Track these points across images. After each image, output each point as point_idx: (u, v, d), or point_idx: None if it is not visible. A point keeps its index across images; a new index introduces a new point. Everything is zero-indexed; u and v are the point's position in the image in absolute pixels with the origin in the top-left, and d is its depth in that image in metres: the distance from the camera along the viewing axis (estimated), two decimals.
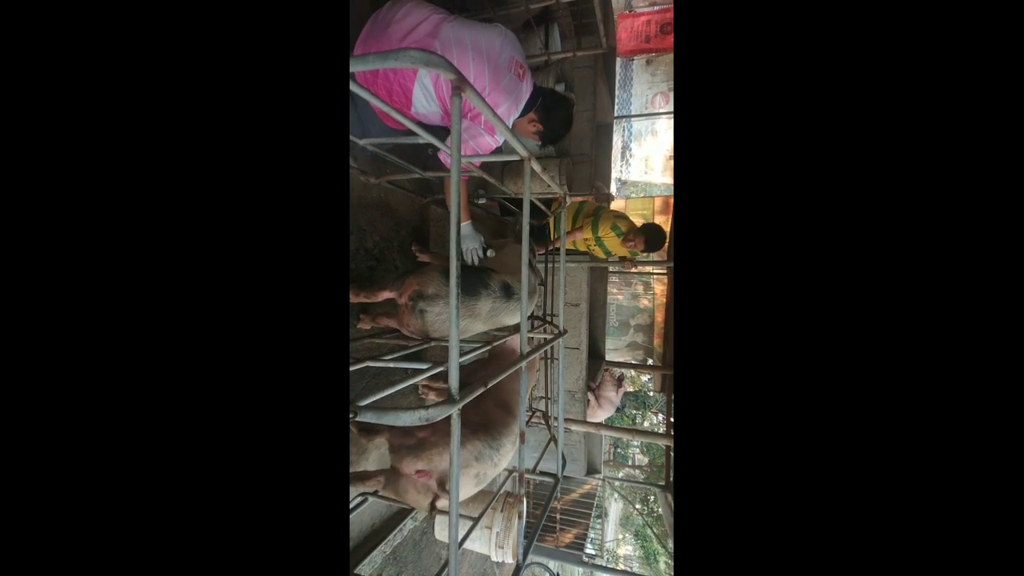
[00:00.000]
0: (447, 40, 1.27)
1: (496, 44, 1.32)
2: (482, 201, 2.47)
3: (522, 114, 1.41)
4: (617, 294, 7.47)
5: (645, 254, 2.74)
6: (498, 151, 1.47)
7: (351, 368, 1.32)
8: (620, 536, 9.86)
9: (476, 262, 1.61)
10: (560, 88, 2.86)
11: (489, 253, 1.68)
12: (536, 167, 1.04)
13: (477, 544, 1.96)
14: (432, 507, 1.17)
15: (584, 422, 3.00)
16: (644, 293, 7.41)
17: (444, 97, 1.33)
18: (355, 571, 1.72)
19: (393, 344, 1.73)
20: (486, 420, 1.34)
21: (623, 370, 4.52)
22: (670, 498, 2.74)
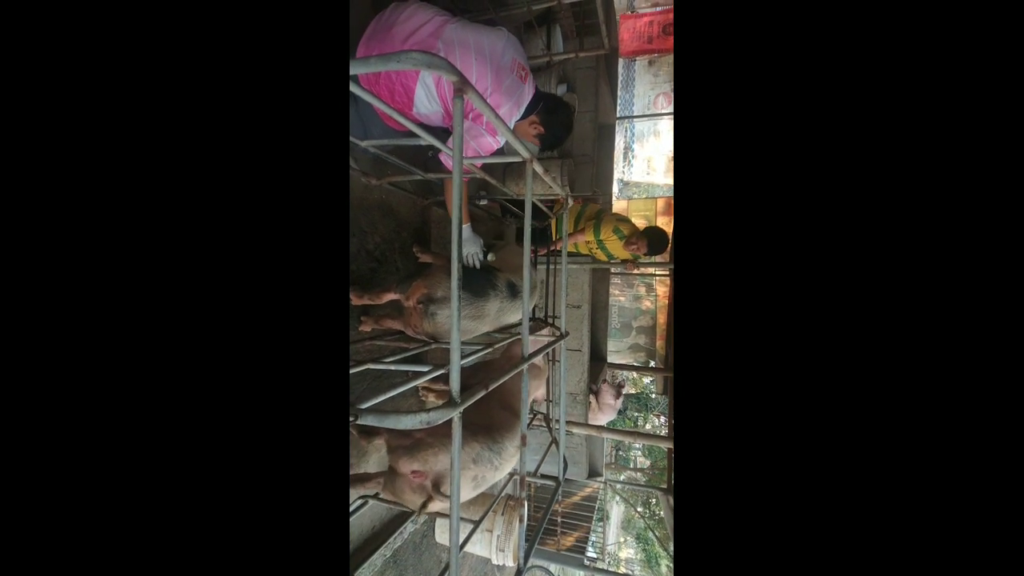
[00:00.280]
0: (450, 41, 1.27)
1: (499, 46, 1.31)
2: (483, 202, 2.47)
3: (523, 116, 1.41)
4: (619, 296, 7.47)
5: (647, 256, 2.74)
6: (499, 152, 1.47)
7: (352, 371, 1.32)
8: (622, 539, 9.83)
9: (477, 265, 1.60)
10: (562, 89, 2.86)
11: (489, 257, 1.68)
12: (538, 168, 1.03)
13: (478, 547, 1.95)
14: (423, 508, 1.16)
15: (586, 425, 2.99)
16: (646, 295, 7.40)
17: (446, 97, 1.32)
18: (355, 574, 1.72)
19: (394, 346, 1.72)
20: (489, 422, 1.33)
21: (622, 377, 4.51)
22: (672, 501, 2.73)
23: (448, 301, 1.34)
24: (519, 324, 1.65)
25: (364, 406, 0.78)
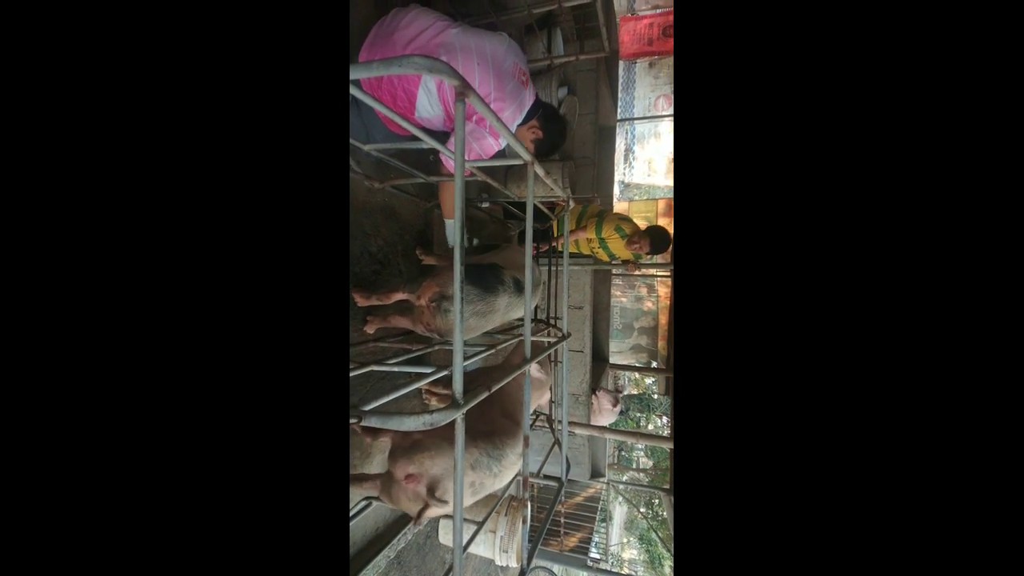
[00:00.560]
0: (452, 47, 1.28)
1: (500, 50, 1.33)
2: (485, 205, 2.48)
3: (524, 122, 1.43)
4: (621, 296, 7.46)
5: (649, 256, 2.74)
6: (500, 154, 1.48)
7: (356, 372, 1.32)
8: (625, 540, 9.80)
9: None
10: (563, 92, 2.87)
11: (475, 241, 1.68)
12: (539, 171, 1.04)
13: (481, 548, 1.95)
14: (419, 516, 1.10)
15: (588, 425, 2.99)
16: (648, 295, 7.39)
17: (448, 101, 1.33)
18: None
19: (397, 348, 1.73)
20: (491, 428, 1.31)
21: (619, 382, 4.49)
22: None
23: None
24: (522, 323, 1.66)
25: (368, 407, 0.79)
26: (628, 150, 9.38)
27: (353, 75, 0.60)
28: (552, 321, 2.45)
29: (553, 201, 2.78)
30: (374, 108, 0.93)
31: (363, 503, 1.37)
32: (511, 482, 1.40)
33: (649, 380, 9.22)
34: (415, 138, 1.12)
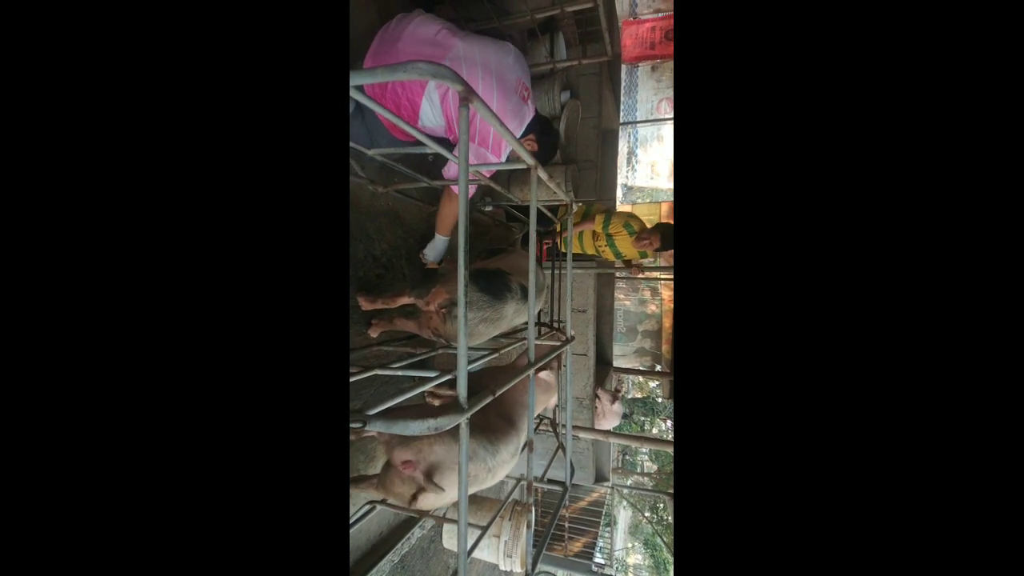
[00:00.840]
0: (457, 58, 1.29)
1: (505, 64, 1.34)
2: (488, 208, 2.48)
3: (522, 136, 1.46)
4: (624, 300, 7.44)
5: (654, 255, 2.73)
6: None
7: (360, 376, 1.33)
8: (629, 545, 9.74)
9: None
10: (566, 96, 2.88)
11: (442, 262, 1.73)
12: (542, 175, 1.04)
13: (485, 553, 1.95)
14: (413, 500, 1.12)
15: (592, 429, 2.98)
16: (651, 299, 7.37)
17: (451, 111, 1.34)
18: None
19: (401, 352, 1.73)
20: (486, 424, 1.32)
21: (617, 382, 4.49)
22: None
23: (471, 305, 1.35)
24: (526, 327, 1.66)
25: (372, 412, 0.79)
26: (631, 153, 9.39)
27: (357, 81, 0.61)
28: (556, 325, 2.44)
29: (556, 205, 2.78)
30: (378, 114, 0.93)
31: (367, 507, 1.37)
32: (516, 486, 1.39)
33: (653, 384, 9.19)
34: (419, 143, 1.12)
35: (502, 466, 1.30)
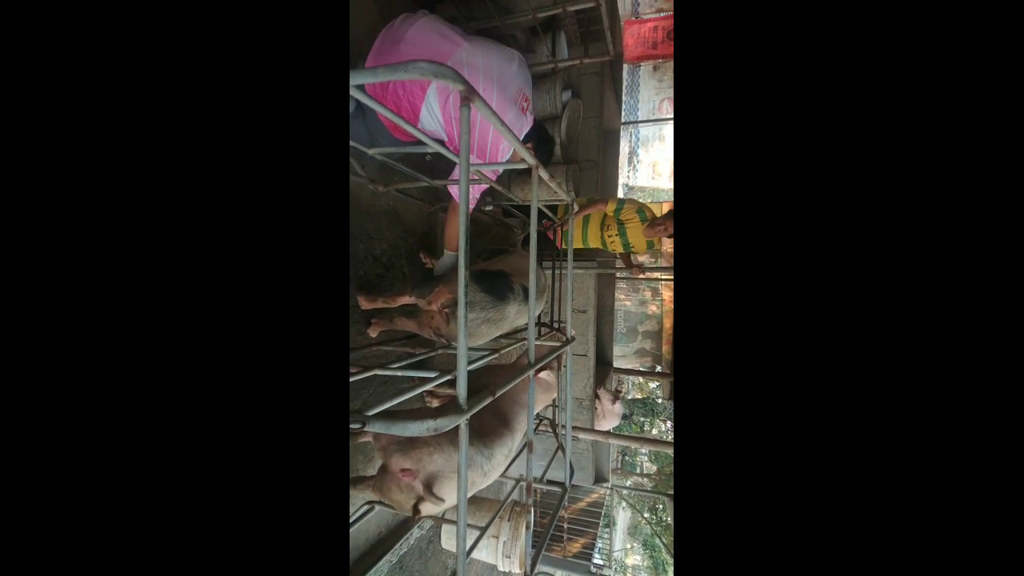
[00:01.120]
0: (459, 61, 1.28)
1: (508, 72, 1.34)
2: (489, 208, 2.48)
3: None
4: (625, 300, 7.44)
5: (652, 259, 2.72)
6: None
7: (360, 377, 1.32)
8: (628, 546, 9.74)
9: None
10: (567, 95, 2.87)
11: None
12: (543, 175, 1.04)
13: (484, 553, 1.94)
14: (415, 511, 1.12)
15: (592, 430, 2.98)
16: (652, 299, 7.36)
17: (451, 119, 1.34)
18: None
19: (400, 352, 1.73)
20: (481, 427, 1.32)
21: (618, 382, 4.49)
22: None
23: (474, 305, 1.35)
24: (526, 327, 1.65)
25: (372, 412, 0.79)
26: (632, 153, 9.38)
27: (358, 80, 0.60)
28: (556, 325, 2.44)
29: (556, 204, 2.77)
30: (379, 114, 0.93)
31: (365, 507, 1.36)
32: (515, 486, 1.39)
33: (653, 384, 9.19)
34: (420, 143, 1.12)
35: (496, 468, 1.30)
